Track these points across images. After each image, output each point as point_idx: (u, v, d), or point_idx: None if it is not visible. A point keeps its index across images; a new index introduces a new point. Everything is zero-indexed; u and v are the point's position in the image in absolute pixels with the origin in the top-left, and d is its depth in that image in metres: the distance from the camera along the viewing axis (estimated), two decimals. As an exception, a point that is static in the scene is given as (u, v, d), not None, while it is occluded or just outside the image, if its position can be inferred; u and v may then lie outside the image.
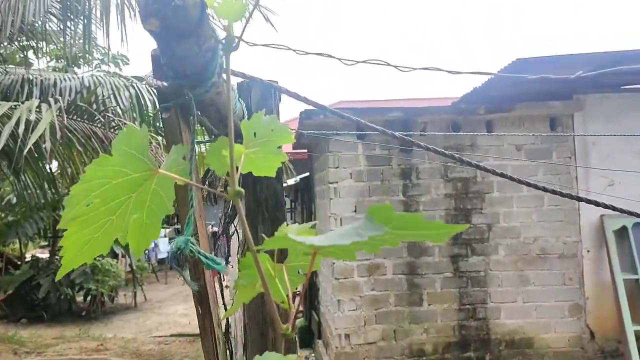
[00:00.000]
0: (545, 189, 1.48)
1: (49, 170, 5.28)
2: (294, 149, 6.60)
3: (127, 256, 11.76)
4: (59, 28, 5.77)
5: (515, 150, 5.15)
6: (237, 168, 0.48)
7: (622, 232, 5.09)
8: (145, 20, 0.50)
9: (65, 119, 4.11)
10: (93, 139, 4.37)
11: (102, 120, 4.17)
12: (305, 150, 6.48)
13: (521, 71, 4.67)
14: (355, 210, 5.01)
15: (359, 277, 4.99)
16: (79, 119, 4.58)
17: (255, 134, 0.55)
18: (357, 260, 4.99)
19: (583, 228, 5.16)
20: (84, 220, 0.49)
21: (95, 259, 5.57)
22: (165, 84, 0.69)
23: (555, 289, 5.10)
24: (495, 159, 5.08)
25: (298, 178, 7.63)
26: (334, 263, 4.98)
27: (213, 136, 1.02)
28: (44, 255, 12.53)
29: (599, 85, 5.23)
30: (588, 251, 5.16)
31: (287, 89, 1.03)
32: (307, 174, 7.17)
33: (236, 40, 0.46)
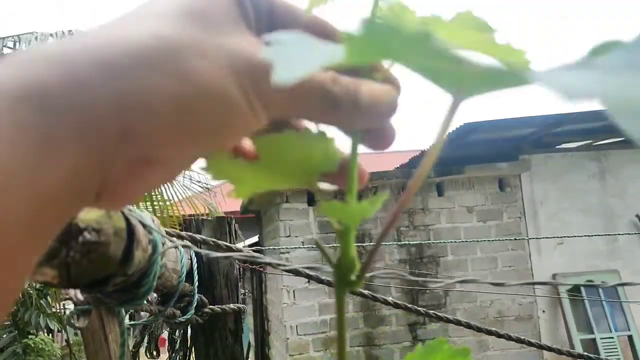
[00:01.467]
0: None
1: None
2: (242, 214, 6.36)
3: (63, 331, 10.87)
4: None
5: (467, 212, 5.12)
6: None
7: (575, 291, 5.08)
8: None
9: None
10: None
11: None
12: (254, 215, 6.26)
13: (469, 134, 4.71)
14: (308, 281, 4.78)
15: (314, 351, 4.72)
16: None
17: None
18: (312, 334, 4.73)
19: (537, 288, 5.12)
20: None
21: (27, 336, 4.90)
22: (80, 296, 0.49)
23: (513, 353, 4.99)
24: (448, 222, 5.03)
25: (247, 243, 7.34)
26: (287, 338, 4.70)
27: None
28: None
29: (542, 146, 5.34)
30: (543, 311, 5.12)
31: (250, 253, 0.85)
32: (257, 238, 6.90)
33: None
